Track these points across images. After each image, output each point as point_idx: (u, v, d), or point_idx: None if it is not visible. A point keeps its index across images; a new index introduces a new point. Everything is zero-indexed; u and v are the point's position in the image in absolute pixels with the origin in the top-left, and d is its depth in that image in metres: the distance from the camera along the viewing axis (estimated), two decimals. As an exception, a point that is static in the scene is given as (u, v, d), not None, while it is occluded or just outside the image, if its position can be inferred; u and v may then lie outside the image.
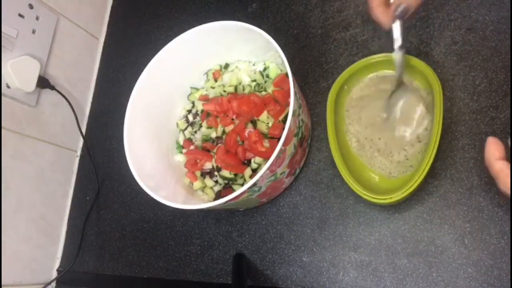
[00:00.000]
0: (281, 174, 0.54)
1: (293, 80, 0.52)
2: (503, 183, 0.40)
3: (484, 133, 0.52)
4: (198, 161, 0.64)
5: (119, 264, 0.72)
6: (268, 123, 0.60)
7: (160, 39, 0.84)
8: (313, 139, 0.63)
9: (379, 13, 0.49)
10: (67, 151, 0.84)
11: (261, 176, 0.49)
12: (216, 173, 0.61)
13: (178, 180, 0.64)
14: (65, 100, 0.79)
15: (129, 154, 0.58)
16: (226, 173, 0.60)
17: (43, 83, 0.76)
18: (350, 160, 0.56)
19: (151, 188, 0.54)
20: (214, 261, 0.64)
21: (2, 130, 0.70)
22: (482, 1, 0.57)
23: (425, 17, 0.60)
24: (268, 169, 0.49)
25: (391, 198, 0.50)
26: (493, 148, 0.41)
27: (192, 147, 0.66)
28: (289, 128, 0.50)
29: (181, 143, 0.68)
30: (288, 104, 0.52)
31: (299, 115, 0.53)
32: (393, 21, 0.49)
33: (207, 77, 0.70)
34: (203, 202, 0.58)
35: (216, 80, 0.69)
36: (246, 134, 0.60)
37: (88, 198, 0.80)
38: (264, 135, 0.59)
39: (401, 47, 0.50)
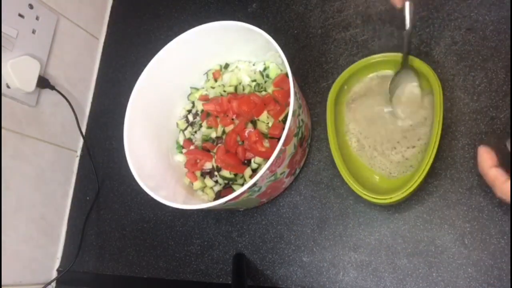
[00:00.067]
0: (281, 174, 0.54)
1: (293, 80, 0.52)
2: (499, 190, 0.40)
3: (484, 133, 0.52)
4: (198, 161, 0.64)
5: (119, 264, 0.72)
6: (268, 123, 0.60)
7: (160, 39, 0.84)
8: (313, 139, 0.63)
9: None
10: (67, 151, 0.84)
11: (261, 176, 0.49)
12: (216, 173, 0.61)
13: (178, 180, 0.64)
14: (65, 100, 0.79)
15: (129, 154, 0.58)
16: (226, 173, 0.60)
17: (43, 83, 0.76)
18: (350, 160, 0.56)
19: (151, 188, 0.54)
20: (214, 261, 0.64)
21: (2, 130, 0.70)
22: (482, 1, 0.57)
23: (425, 17, 0.60)
24: (268, 169, 0.49)
25: (391, 198, 0.50)
26: (486, 157, 0.41)
27: (192, 147, 0.66)
28: (289, 128, 0.50)
29: (181, 143, 0.68)
30: (288, 104, 0.52)
31: (299, 115, 0.53)
32: (405, 1, 0.53)
33: (207, 77, 0.70)
34: (203, 202, 0.58)
35: (216, 80, 0.69)
36: (246, 134, 0.60)
37: (88, 198, 0.80)
38: (264, 135, 0.59)
39: (410, 26, 0.53)
